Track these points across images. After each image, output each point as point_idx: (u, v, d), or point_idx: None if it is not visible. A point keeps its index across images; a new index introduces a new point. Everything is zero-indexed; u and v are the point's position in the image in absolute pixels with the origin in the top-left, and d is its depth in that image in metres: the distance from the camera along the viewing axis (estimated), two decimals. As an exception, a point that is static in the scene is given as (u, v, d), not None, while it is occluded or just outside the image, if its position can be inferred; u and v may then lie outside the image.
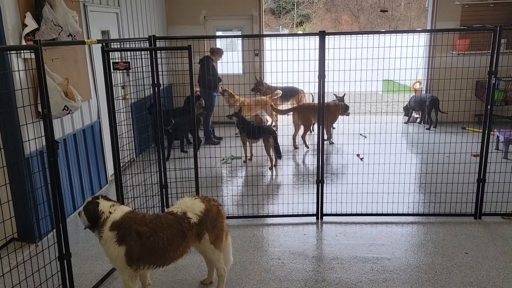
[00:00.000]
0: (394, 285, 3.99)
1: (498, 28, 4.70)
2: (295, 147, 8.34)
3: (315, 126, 8.14)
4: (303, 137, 8.35)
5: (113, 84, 4.24)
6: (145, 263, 3.41)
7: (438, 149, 6.25)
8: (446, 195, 5.59)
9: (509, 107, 9.17)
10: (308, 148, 8.31)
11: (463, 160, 5.81)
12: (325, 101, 8.87)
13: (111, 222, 3.35)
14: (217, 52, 8.49)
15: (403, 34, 5.30)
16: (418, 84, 10.19)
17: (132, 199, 4.87)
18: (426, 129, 9.28)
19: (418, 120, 9.95)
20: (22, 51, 4.51)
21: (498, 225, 5.10)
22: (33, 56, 3.35)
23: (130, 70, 4.55)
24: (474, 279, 4.05)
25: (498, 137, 7.62)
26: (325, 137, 8.13)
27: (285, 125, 9.25)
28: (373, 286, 3.97)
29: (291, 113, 8.44)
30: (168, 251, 3.41)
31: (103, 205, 3.41)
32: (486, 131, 5.01)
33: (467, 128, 8.93)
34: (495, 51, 4.76)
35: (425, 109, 9.38)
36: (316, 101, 8.29)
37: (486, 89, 4.96)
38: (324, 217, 5.34)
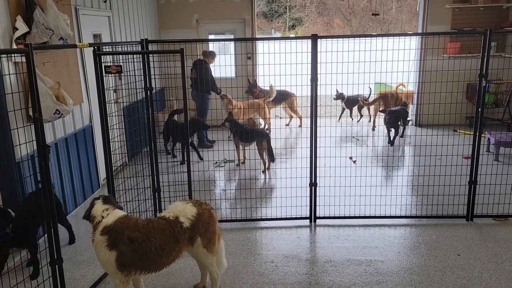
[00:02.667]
0: (387, 287, 4.00)
1: (488, 32, 4.75)
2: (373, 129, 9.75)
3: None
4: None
5: (105, 87, 4.22)
6: (137, 268, 3.39)
7: (430, 151, 6.29)
8: (438, 197, 5.62)
9: (500, 110, 9.26)
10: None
11: (455, 162, 5.85)
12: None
13: (102, 227, 3.33)
14: (210, 55, 8.49)
15: (394, 37, 5.32)
16: (402, 87, 10.24)
17: (125, 203, 4.84)
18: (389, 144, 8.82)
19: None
20: (13, 55, 4.48)
21: (489, 226, 5.13)
22: (24, 59, 3.33)
23: (122, 74, 4.54)
24: (466, 281, 4.07)
25: (489, 139, 7.69)
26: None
27: (277, 128, 9.28)
28: (366, 289, 3.98)
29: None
30: (161, 257, 3.40)
31: (96, 209, 3.42)
32: (477, 134, 5.05)
33: (458, 130, 8.99)
34: (486, 54, 4.81)
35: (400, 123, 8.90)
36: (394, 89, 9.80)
37: (477, 91, 5.01)
38: (317, 220, 5.34)
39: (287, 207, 5.58)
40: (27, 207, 4.26)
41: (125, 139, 7.10)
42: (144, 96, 5.04)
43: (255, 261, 4.49)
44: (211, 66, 8.61)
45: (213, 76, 8.53)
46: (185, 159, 4.26)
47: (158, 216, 3.62)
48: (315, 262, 4.46)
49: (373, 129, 9.86)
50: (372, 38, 5.57)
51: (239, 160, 7.64)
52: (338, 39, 5.06)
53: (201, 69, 8.08)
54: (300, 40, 5.22)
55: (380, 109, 9.52)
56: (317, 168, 5.23)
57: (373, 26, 32.69)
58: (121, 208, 3.61)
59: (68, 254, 4.63)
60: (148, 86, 4.95)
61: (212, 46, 9.72)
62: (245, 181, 6.69)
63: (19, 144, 4.38)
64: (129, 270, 3.37)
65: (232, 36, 10.21)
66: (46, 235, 3.56)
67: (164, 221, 3.48)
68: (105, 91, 4.21)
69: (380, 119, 9.79)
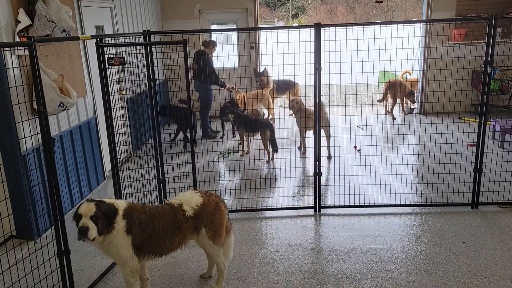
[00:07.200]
0: (393, 275, 4.01)
1: (493, 18, 4.70)
2: (393, 118, 9.80)
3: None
4: (391, 109, 9.84)
5: (109, 79, 4.22)
6: (145, 252, 3.46)
7: (435, 139, 6.26)
8: (443, 185, 5.61)
9: (505, 97, 9.19)
10: (394, 119, 9.78)
11: (460, 150, 5.82)
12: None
13: (122, 211, 3.38)
14: (210, 44, 8.43)
15: (398, 25, 5.27)
16: (408, 74, 10.17)
17: (130, 194, 4.87)
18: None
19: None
20: (15, 48, 4.48)
21: (495, 214, 5.13)
22: (27, 52, 3.32)
23: (125, 66, 4.53)
24: (471, 268, 4.07)
25: (494, 126, 7.64)
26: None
27: (281, 118, 9.26)
28: (371, 277, 4.00)
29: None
30: (164, 240, 3.47)
31: (108, 200, 3.43)
32: (482, 121, 5.02)
33: (463, 118, 8.94)
34: (491, 41, 4.76)
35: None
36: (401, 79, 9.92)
37: (482, 78, 4.97)
38: (322, 210, 5.36)
39: (291, 197, 5.60)
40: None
41: (129, 131, 7.14)
42: (147, 87, 5.04)
43: (260, 251, 4.51)
44: (214, 56, 8.56)
45: (213, 67, 8.48)
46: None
47: (165, 203, 3.71)
48: (320, 251, 4.48)
49: (391, 115, 9.96)
50: (376, 26, 5.52)
51: (243, 150, 7.64)
52: (342, 27, 5.02)
53: (201, 60, 8.05)
54: (303, 29, 5.18)
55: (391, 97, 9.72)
56: (322, 158, 5.23)
57: (376, 14, 32.41)
58: None
59: (75, 245, 4.66)
60: (151, 77, 4.95)
61: (214, 36, 9.68)
62: (250, 171, 6.70)
63: (24, 137, 4.40)
64: (140, 254, 3.43)
65: (234, 26, 10.15)
66: (53, 227, 3.59)
67: (168, 207, 3.57)
68: (109, 83, 4.21)
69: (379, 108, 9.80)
